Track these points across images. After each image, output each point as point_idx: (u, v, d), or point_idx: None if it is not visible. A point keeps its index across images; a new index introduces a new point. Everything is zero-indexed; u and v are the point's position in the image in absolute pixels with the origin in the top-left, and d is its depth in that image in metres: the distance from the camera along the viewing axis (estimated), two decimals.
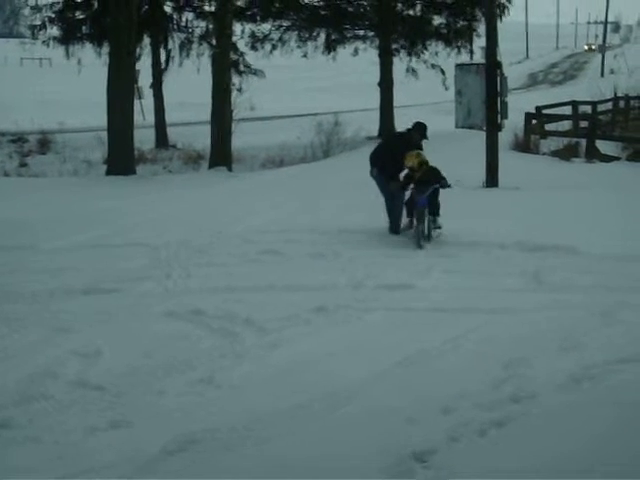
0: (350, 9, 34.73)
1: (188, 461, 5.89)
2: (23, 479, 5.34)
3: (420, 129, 13.68)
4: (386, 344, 8.33)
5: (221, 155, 25.46)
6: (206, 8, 32.18)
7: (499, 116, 17.95)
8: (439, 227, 12.93)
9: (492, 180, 17.91)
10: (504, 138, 20.44)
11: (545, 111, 27.74)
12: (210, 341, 8.51)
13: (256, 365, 7.82)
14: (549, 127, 26.80)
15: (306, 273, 10.96)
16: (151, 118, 33.09)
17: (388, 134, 26.91)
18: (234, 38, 29.25)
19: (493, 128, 17.92)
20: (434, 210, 12.93)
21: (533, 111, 26.73)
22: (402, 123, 25.13)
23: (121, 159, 23.97)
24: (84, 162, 26.61)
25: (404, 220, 13.45)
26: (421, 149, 13.50)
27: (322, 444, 6.09)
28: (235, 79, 29.56)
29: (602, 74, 76.79)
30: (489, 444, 5.86)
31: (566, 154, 23.30)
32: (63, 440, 6.33)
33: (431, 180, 12.83)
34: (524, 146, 24.73)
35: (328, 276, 10.74)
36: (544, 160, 22.87)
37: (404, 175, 13.43)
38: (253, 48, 34.55)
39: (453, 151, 22.25)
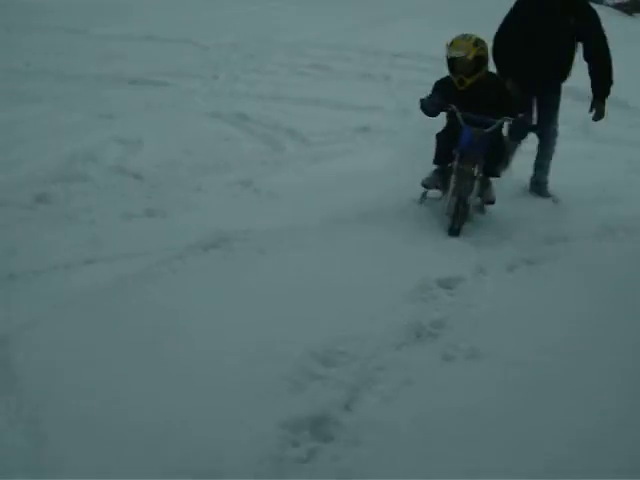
0: None
1: (219, 257, 5.95)
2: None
3: None
4: (427, 168, 8.29)
5: None
6: None
7: None
8: (492, 201, 6.99)
9: None
10: None
11: None
12: (252, 145, 8.53)
13: (295, 175, 7.86)
14: None
15: (354, 92, 10.85)
16: None
17: None
18: None
19: None
20: (494, 160, 6.94)
21: None
22: None
23: None
24: None
25: (430, 170, 7.31)
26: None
27: (350, 262, 6.11)
28: None
29: None
30: (516, 278, 5.92)
31: (629, 9, 22.62)
32: (99, 222, 6.43)
33: (497, 104, 6.70)
34: None
35: (376, 98, 10.64)
36: (605, 12, 22.14)
37: (434, 88, 6.92)
38: None
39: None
